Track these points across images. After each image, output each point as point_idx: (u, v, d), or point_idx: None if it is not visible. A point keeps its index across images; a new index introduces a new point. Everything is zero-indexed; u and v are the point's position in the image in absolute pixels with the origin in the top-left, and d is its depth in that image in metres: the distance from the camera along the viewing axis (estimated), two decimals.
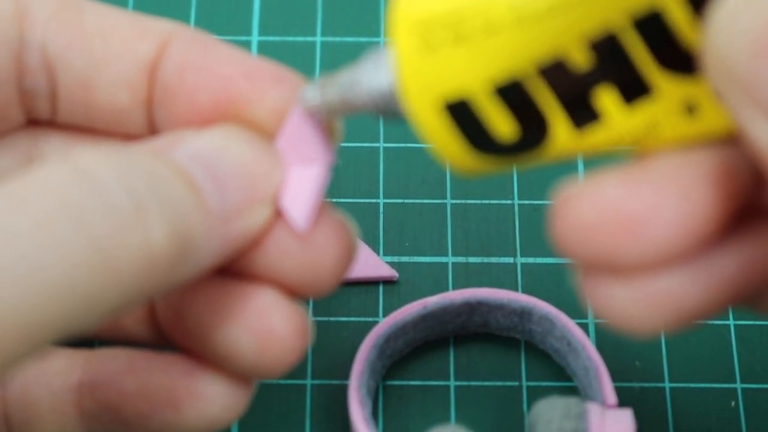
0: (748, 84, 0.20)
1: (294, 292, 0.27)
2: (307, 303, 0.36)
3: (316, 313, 0.36)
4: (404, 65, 0.23)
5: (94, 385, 0.28)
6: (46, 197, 0.22)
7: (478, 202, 0.37)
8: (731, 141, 0.22)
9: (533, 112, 0.23)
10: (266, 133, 0.27)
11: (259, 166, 0.26)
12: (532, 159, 0.24)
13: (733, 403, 0.34)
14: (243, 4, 0.41)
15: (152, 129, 0.28)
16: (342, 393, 0.34)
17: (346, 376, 0.34)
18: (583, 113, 0.23)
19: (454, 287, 0.36)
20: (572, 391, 0.34)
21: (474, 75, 0.23)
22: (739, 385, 0.34)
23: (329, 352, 0.35)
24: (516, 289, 0.36)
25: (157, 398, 0.27)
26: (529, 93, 0.23)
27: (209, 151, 0.26)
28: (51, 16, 0.28)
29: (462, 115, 0.23)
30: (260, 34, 0.40)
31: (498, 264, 0.36)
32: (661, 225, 0.22)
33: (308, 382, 0.34)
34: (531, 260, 0.36)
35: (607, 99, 0.23)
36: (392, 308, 0.35)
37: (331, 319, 0.35)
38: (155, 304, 0.29)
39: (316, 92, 0.26)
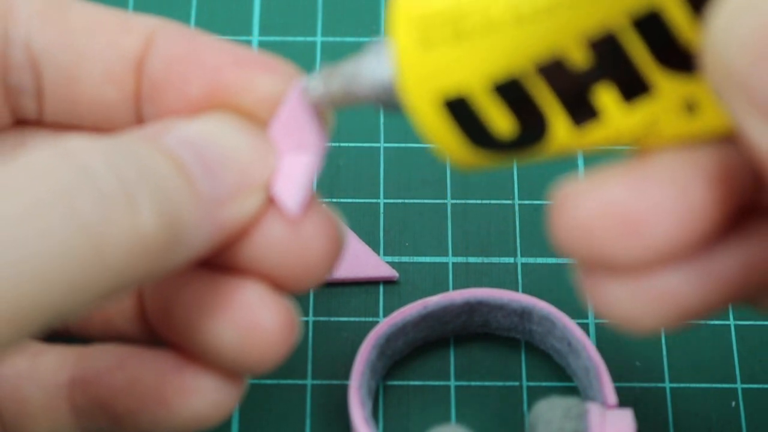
0: (747, 87, 0.20)
1: (281, 286, 0.27)
2: (308, 303, 0.36)
3: (316, 313, 0.36)
4: (403, 60, 0.23)
5: (84, 381, 0.28)
6: (35, 183, 0.22)
7: (479, 202, 0.37)
8: (731, 140, 0.22)
9: (532, 109, 0.23)
10: (258, 121, 0.27)
11: (252, 152, 0.26)
12: (531, 155, 0.24)
13: (733, 404, 0.34)
14: (243, 4, 0.41)
15: (141, 124, 0.28)
16: (342, 393, 0.34)
17: (346, 376, 0.34)
18: (582, 111, 0.23)
19: (455, 287, 0.36)
20: (572, 391, 0.34)
21: (472, 72, 0.23)
22: (739, 386, 0.34)
23: (329, 352, 0.35)
24: (516, 289, 0.36)
25: (146, 394, 0.27)
26: (527, 90, 0.23)
27: (200, 136, 0.26)
28: (35, 13, 0.27)
29: (461, 111, 0.23)
30: (260, 34, 0.40)
31: (498, 264, 0.36)
32: (660, 224, 0.22)
33: (308, 382, 0.34)
34: (531, 260, 0.36)
35: (606, 97, 0.23)
36: (392, 308, 0.35)
37: (332, 319, 0.35)
38: (144, 300, 0.28)
39: (318, 83, 0.26)
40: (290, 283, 0.27)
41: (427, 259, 0.36)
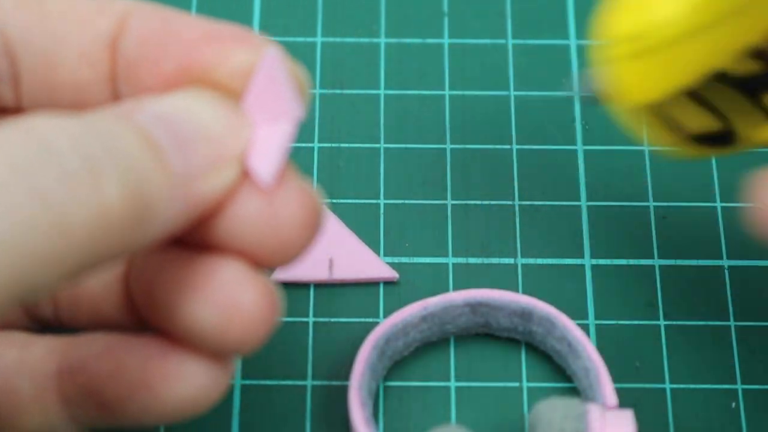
0: None
1: (261, 262, 0.26)
2: (308, 304, 0.36)
3: (316, 314, 0.36)
4: (614, 70, 0.28)
5: (72, 369, 0.28)
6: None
7: (479, 202, 0.37)
8: None
9: (717, 110, 0.27)
10: (233, 95, 0.27)
11: (226, 124, 0.26)
12: (731, 149, 0.29)
13: (733, 404, 0.34)
14: (243, 5, 0.41)
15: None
16: (342, 394, 0.34)
17: (346, 377, 0.34)
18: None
19: (455, 288, 0.36)
20: (573, 392, 0.34)
21: (669, 79, 0.27)
22: (739, 386, 0.34)
23: (330, 353, 0.35)
24: (516, 290, 0.36)
25: (133, 380, 0.27)
26: (709, 95, 0.27)
27: (172, 111, 0.25)
28: None
29: (660, 110, 0.28)
30: (260, 34, 0.40)
31: (498, 265, 0.36)
32: None
33: (308, 383, 0.34)
34: (531, 261, 0.36)
35: None
36: (393, 309, 0.35)
37: (332, 319, 0.35)
38: (130, 286, 0.28)
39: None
40: (269, 258, 0.26)
41: (428, 260, 0.36)
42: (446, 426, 0.32)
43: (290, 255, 0.26)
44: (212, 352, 0.27)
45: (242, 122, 0.26)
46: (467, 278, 0.36)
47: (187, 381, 0.27)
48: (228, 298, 0.26)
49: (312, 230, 0.26)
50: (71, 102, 0.28)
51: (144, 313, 0.28)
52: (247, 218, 0.26)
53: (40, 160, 0.22)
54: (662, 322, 0.35)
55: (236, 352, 0.26)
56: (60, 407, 0.28)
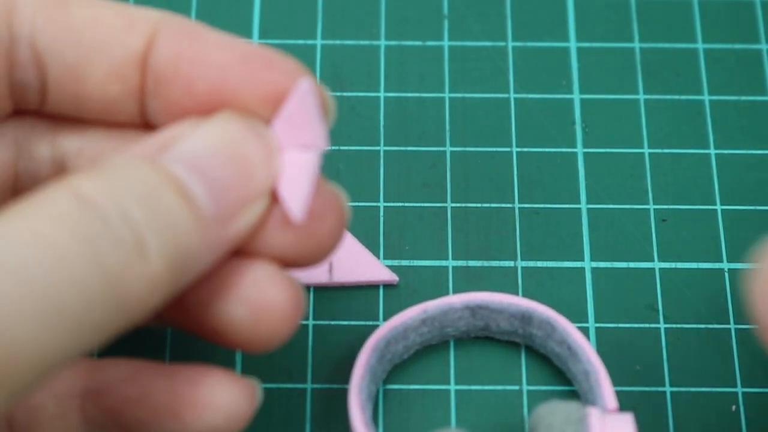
0: None
1: (288, 264, 0.28)
2: (308, 307, 0.36)
3: (316, 317, 0.35)
4: None
5: (97, 391, 0.28)
6: (59, 232, 0.23)
7: (479, 205, 0.37)
8: None
9: None
10: (262, 118, 0.27)
11: (258, 158, 0.27)
12: None
13: (733, 407, 0.34)
14: (243, 7, 0.41)
15: (143, 117, 0.28)
16: (342, 397, 0.34)
17: (346, 380, 0.34)
18: None
19: (455, 291, 0.36)
20: (572, 395, 0.34)
21: None
22: (739, 389, 0.34)
23: (329, 356, 0.35)
24: (516, 293, 0.36)
25: (159, 406, 0.28)
26: None
27: (204, 151, 0.26)
28: (38, 10, 0.28)
29: None
30: (260, 37, 0.40)
31: (498, 268, 0.36)
32: None
33: (308, 386, 0.34)
34: (531, 264, 0.36)
35: None
36: (392, 312, 0.35)
37: (332, 322, 0.35)
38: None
39: None
40: (297, 262, 0.28)
41: (427, 263, 0.36)
42: (446, 429, 0.32)
43: (319, 259, 0.28)
44: (241, 346, 0.28)
45: (273, 151, 0.27)
46: (467, 281, 0.36)
47: (215, 410, 0.27)
48: (259, 297, 0.27)
49: (340, 234, 0.28)
50: (96, 113, 0.28)
51: (168, 311, 0.28)
52: (278, 233, 0.27)
53: (97, 228, 0.23)
54: (662, 325, 0.35)
55: (264, 348, 0.27)
56: (81, 426, 0.29)
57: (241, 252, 0.27)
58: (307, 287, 0.36)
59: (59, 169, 0.29)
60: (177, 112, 0.28)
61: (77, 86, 0.28)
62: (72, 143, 0.29)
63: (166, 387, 0.28)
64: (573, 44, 0.40)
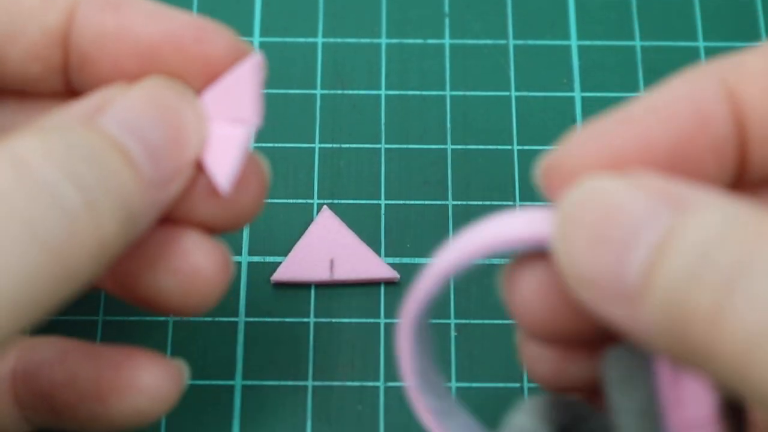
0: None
1: (210, 229, 0.28)
2: (309, 305, 0.36)
3: (317, 315, 0.36)
4: None
5: (27, 374, 0.28)
6: None
7: (480, 203, 0.37)
8: None
9: None
10: (190, 85, 0.27)
11: (189, 126, 0.27)
12: None
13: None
14: (244, 5, 0.41)
15: (68, 89, 0.28)
16: (343, 395, 0.34)
17: (347, 377, 0.34)
18: None
19: (455, 289, 0.36)
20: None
21: None
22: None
23: (330, 354, 0.35)
24: None
25: (85, 389, 0.28)
26: None
27: (140, 114, 0.26)
28: None
29: None
30: (261, 35, 0.40)
31: (500, 265, 0.36)
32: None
33: (309, 383, 0.34)
34: None
35: None
36: (393, 309, 0.35)
37: (333, 320, 0.35)
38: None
39: None
40: (222, 227, 0.28)
41: (429, 261, 0.36)
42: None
43: (242, 225, 0.28)
44: (172, 312, 0.28)
45: (202, 119, 0.27)
46: (468, 279, 0.36)
47: (138, 393, 0.28)
48: (188, 266, 0.27)
49: (262, 200, 0.28)
50: (20, 89, 0.28)
51: (108, 285, 0.28)
52: (203, 200, 0.27)
53: (36, 199, 0.23)
54: None
55: (194, 312, 0.28)
56: (13, 408, 0.29)
57: (166, 219, 0.27)
58: (308, 284, 0.36)
59: None
60: (104, 84, 0.27)
61: None
62: None
63: (92, 370, 0.28)
64: (574, 42, 0.40)
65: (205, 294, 0.28)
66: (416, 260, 0.36)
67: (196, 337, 0.35)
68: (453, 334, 0.35)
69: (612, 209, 0.22)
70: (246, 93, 0.27)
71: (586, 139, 0.24)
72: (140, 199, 0.25)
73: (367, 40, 0.40)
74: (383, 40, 0.40)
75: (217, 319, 0.35)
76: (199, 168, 0.27)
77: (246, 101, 0.27)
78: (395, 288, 0.36)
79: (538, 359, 0.27)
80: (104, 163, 0.24)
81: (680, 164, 0.24)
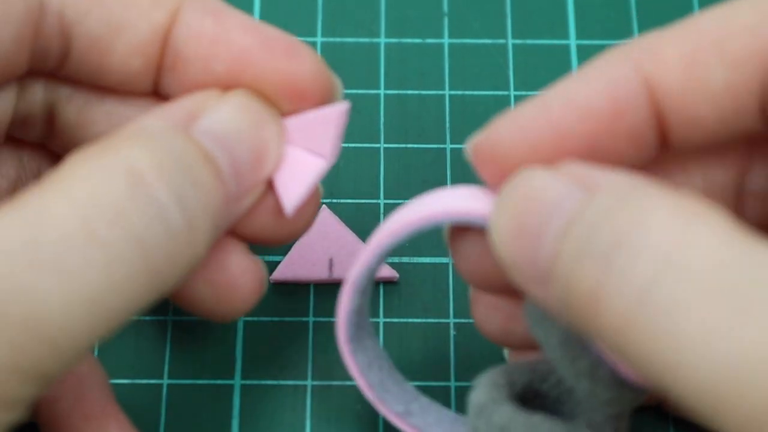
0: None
1: (258, 243, 0.29)
2: (308, 304, 0.36)
3: (316, 314, 0.36)
4: None
5: None
6: (111, 229, 0.23)
7: None
8: None
9: None
10: (274, 104, 0.28)
11: (272, 145, 0.28)
12: None
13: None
14: (243, 5, 0.41)
15: (156, 91, 0.29)
16: (342, 394, 0.34)
17: (346, 377, 0.34)
18: None
19: (454, 288, 0.36)
20: None
21: None
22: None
23: (329, 353, 0.35)
24: None
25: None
26: None
27: (230, 128, 0.27)
28: None
29: None
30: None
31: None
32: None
33: (308, 383, 0.34)
34: None
35: None
36: (392, 309, 0.35)
37: (332, 319, 0.35)
38: None
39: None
40: (267, 243, 0.29)
41: (427, 260, 0.36)
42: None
43: (284, 243, 0.29)
44: (203, 314, 0.29)
45: (280, 141, 0.28)
46: None
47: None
48: (226, 280, 0.28)
49: (312, 223, 0.30)
50: (112, 84, 0.29)
51: None
52: (259, 221, 0.28)
53: (150, 221, 0.24)
54: None
55: (224, 320, 0.29)
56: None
57: None
58: (307, 284, 0.36)
59: (50, 116, 0.30)
60: (191, 88, 0.28)
61: (100, 58, 0.28)
62: (81, 105, 0.29)
63: None
64: (573, 41, 0.40)
65: (236, 307, 0.29)
66: (415, 260, 0.36)
67: (195, 337, 0.35)
68: (452, 333, 0.35)
69: (532, 200, 0.24)
70: (328, 132, 0.28)
71: (508, 126, 0.26)
72: (223, 214, 0.26)
73: (366, 40, 0.40)
74: (382, 40, 0.40)
75: None
76: (268, 186, 0.28)
77: (327, 139, 0.28)
78: (394, 287, 0.36)
79: (486, 319, 0.30)
80: (199, 179, 0.25)
81: (598, 151, 0.26)
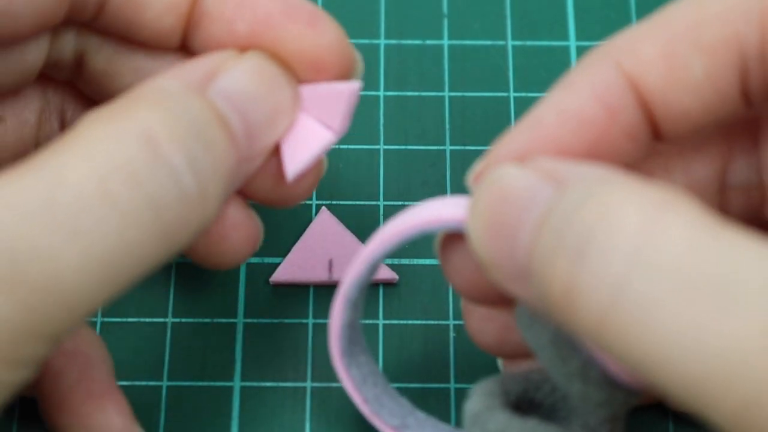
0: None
1: (254, 199, 0.30)
2: (308, 305, 0.36)
3: (316, 316, 0.36)
4: None
5: None
6: (126, 189, 0.24)
7: None
8: None
9: None
10: (292, 70, 0.28)
11: (285, 108, 0.28)
12: None
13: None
14: None
15: (183, 46, 0.30)
16: (342, 396, 0.34)
17: None
18: None
19: (454, 290, 0.36)
20: None
21: None
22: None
23: (329, 354, 0.35)
24: None
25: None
26: None
27: (245, 89, 0.27)
28: None
29: None
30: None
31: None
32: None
33: (308, 384, 0.34)
34: None
35: None
36: (392, 310, 0.35)
37: None
38: None
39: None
40: (266, 203, 0.30)
41: (427, 262, 0.36)
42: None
43: (284, 206, 0.30)
44: (199, 263, 0.30)
45: (294, 105, 0.28)
46: None
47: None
48: (218, 231, 0.29)
49: (311, 192, 0.30)
50: (143, 39, 0.29)
51: None
52: (263, 183, 0.29)
53: (164, 183, 0.24)
54: None
55: (218, 267, 0.30)
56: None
57: None
58: (307, 286, 0.36)
59: (79, 64, 0.30)
60: (214, 47, 0.29)
61: (134, 14, 0.29)
62: (110, 56, 0.30)
63: None
64: (573, 43, 0.40)
65: (227, 258, 0.29)
66: (415, 261, 0.36)
67: (194, 338, 0.35)
68: (452, 335, 0.35)
69: (505, 197, 0.24)
70: (340, 106, 0.28)
71: (506, 150, 0.26)
72: (234, 176, 0.27)
73: (366, 41, 0.40)
74: (382, 41, 0.40)
75: (215, 320, 0.35)
76: (275, 151, 0.28)
77: (337, 113, 0.28)
78: (394, 289, 0.36)
79: (480, 330, 0.30)
80: (213, 142, 0.26)
81: (598, 154, 0.26)
